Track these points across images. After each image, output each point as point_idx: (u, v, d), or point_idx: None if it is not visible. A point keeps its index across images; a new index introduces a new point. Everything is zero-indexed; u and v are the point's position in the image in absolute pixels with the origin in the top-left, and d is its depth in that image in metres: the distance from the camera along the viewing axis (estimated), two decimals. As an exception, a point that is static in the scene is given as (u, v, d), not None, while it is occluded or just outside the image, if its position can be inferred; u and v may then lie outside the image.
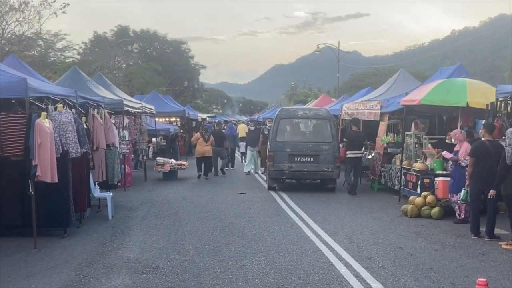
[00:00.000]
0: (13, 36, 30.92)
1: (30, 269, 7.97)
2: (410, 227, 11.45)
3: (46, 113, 9.58)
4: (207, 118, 46.98)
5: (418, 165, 13.78)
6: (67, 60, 39.65)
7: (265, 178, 19.18)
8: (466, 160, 11.24)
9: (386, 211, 13.30)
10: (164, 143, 27.94)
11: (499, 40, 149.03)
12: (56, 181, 9.40)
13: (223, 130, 25.51)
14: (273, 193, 16.46)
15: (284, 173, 16.90)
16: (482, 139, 10.82)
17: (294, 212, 13.14)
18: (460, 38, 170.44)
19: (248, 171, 22.85)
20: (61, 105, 10.27)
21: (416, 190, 13.46)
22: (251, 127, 24.72)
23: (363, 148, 17.18)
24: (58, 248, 9.30)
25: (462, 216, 11.76)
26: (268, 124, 23.42)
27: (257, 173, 22.65)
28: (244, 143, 25.77)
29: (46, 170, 9.13)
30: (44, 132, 9.11)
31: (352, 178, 16.65)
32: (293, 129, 17.49)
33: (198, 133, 21.77)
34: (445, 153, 12.63)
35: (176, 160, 22.25)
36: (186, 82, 71.91)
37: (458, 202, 11.56)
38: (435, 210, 12.39)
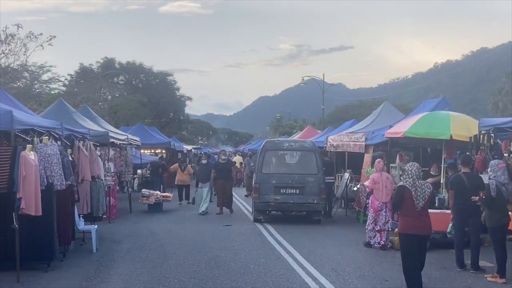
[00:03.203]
0: (-1, 68, 30.84)
1: (12, 304, 7.84)
2: (396, 259, 11.44)
3: (31, 145, 9.55)
4: (193, 150, 46.96)
5: (403, 197, 13.83)
6: (52, 92, 39.54)
7: (250, 210, 19.12)
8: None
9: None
10: (149, 175, 27.58)
11: (481, 73, 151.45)
12: (40, 213, 9.33)
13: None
14: (258, 225, 16.41)
15: (269, 205, 16.88)
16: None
17: (280, 245, 13.10)
18: (443, 71, 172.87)
19: (203, 211, 19.25)
20: (47, 137, 10.25)
21: (402, 222, 13.47)
22: (203, 160, 21.51)
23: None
24: (42, 282, 9.17)
25: (382, 243, 12.61)
26: (223, 157, 20.60)
27: (202, 212, 19.18)
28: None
29: (31, 202, 9.07)
30: (29, 165, 9.08)
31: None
32: (278, 161, 17.54)
33: (176, 164, 24.49)
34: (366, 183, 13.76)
35: (162, 192, 22.18)
36: (171, 113, 71.84)
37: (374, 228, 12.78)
38: (421, 242, 12.40)
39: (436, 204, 12.94)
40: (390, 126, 15.84)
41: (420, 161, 17.31)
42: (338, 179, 21.10)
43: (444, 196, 13.23)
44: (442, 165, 14.00)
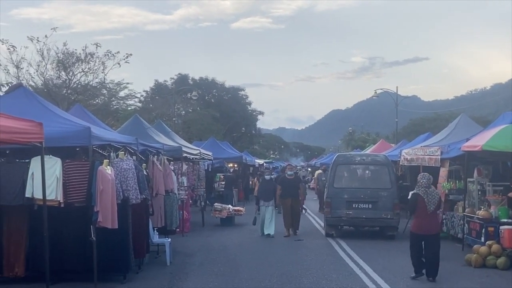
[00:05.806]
0: (79, 86, 32.09)
1: (90, 314, 8.07)
2: (474, 277, 11.03)
3: (108, 160, 9.87)
4: (264, 164, 47.16)
5: (481, 213, 13.34)
6: (129, 108, 40.73)
7: (322, 224, 18.94)
8: None
9: (449, 260, 12.84)
10: (223, 189, 27.83)
11: None
12: (117, 227, 9.60)
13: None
14: (330, 240, 16.22)
15: (341, 219, 16.66)
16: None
17: (352, 260, 12.89)
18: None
19: (268, 233, 17.00)
20: (123, 152, 10.56)
21: (480, 239, 12.99)
22: (266, 175, 18.85)
23: None
24: (118, 294, 9.40)
25: None
26: (289, 172, 18.55)
27: (269, 234, 17.01)
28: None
29: (107, 216, 9.35)
30: (106, 179, 9.37)
31: None
32: (350, 175, 17.32)
33: (256, 177, 27.63)
34: None
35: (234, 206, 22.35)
36: (243, 128, 72.72)
37: None
38: (501, 260, 11.89)
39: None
40: (467, 139, 15.28)
41: (500, 175, 16.64)
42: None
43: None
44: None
